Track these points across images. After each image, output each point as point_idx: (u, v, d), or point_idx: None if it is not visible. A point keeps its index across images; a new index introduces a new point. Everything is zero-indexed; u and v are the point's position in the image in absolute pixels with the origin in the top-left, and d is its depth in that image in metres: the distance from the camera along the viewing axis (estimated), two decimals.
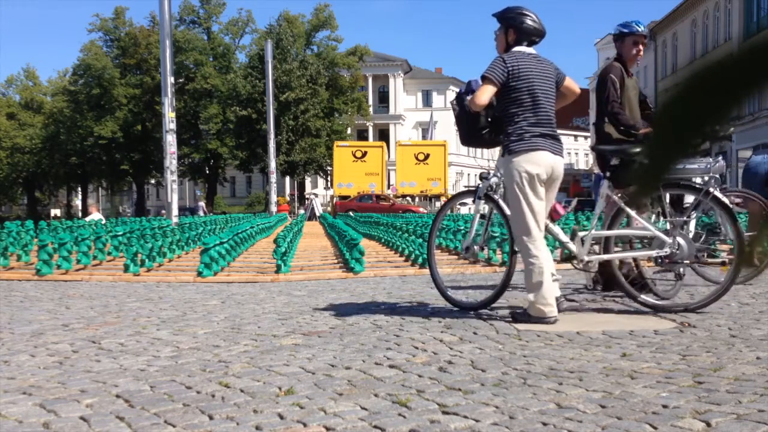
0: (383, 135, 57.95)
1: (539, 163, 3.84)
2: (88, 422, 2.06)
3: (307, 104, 40.64)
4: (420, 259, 7.19)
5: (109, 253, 8.28)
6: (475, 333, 3.44)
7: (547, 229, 4.06)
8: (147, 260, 7.21)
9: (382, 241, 10.63)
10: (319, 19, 46.59)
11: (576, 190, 31.66)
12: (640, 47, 5.06)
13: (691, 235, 4.21)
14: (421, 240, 7.35)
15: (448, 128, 61.64)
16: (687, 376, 2.47)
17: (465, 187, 4.98)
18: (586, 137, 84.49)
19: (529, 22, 4.02)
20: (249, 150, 41.54)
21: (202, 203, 41.02)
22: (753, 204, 5.46)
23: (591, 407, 2.10)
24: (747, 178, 6.73)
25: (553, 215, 4.13)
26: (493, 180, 4.24)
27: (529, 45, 4.07)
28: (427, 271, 6.90)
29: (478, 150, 65.23)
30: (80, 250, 7.30)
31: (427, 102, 62.95)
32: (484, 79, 3.89)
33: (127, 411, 2.16)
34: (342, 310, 4.35)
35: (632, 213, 4.17)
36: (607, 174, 4.31)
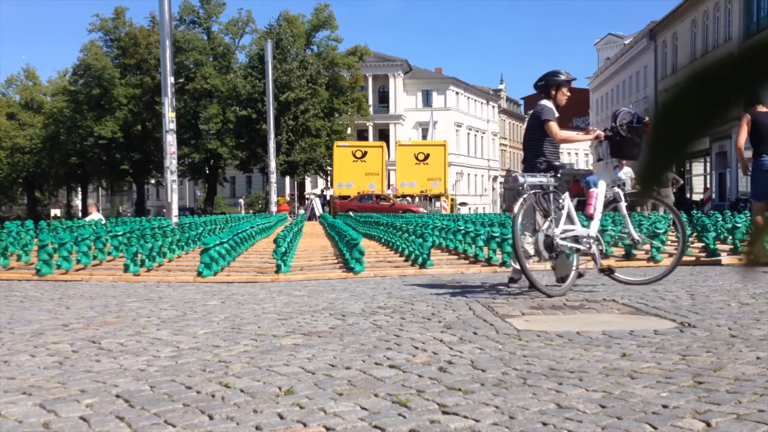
0: (383, 135, 57.93)
1: None
2: (88, 422, 2.06)
3: (307, 104, 40.62)
4: (420, 259, 7.19)
5: (109, 253, 8.28)
6: (475, 333, 3.44)
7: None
8: (147, 260, 7.21)
9: (382, 241, 10.63)
10: (319, 19, 46.57)
11: (576, 189, 31.66)
12: None
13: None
14: (420, 240, 7.34)
15: (448, 128, 61.76)
16: (687, 376, 2.47)
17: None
18: None
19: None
20: (249, 150, 41.52)
21: (241, 200, 41.91)
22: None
23: (591, 407, 2.10)
24: (756, 177, 6.76)
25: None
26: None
27: (545, 98, 5.47)
28: (427, 271, 6.92)
29: (487, 152, 65.27)
30: (80, 250, 7.29)
31: (427, 102, 62.92)
32: None
33: (127, 411, 2.16)
34: (342, 310, 4.35)
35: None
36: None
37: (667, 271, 5.47)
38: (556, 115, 5.41)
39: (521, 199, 4.95)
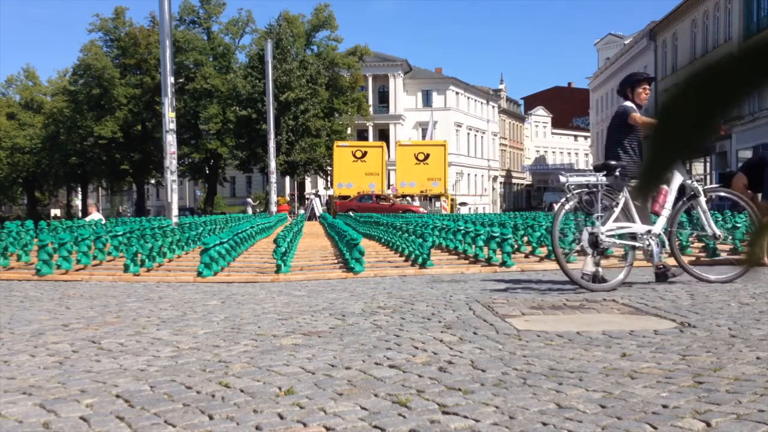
0: (383, 135, 57.94)
1: None
2: (88, 422, 2.06)
3: (307, 104, 40.63)
4: (420, 259, 7.19)
5: (109, 253, 8.28)
6: (475, 333, 3.44)
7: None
8: (147, 260, 7.21)
9: (382, 241, 10.63)
10: (319, 19, 46.59)
11: None
12: None
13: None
14: (420, 240, 7.34)
15: (448, 128, 61.76)
16: (687, 376, 2.47)
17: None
18: (586, 137, 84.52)
19: None
20: (249, 150, 41.53)
21: (249, 199, 41.97)
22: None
23: (591, 407, 2.10)
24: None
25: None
26: None
27: (626, 100, 5.69)
28: (426, 270, 6.92)
29: (486, 152, 65.48)
30: (80, 250, 7.30)
31: (427, 102, 62.95)
32: None
33: (127, 411, 2.16)
34: (342, 310, 4.35)
35: None
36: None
37: (745, 270, 5.50)
38: (636, 111, 5.63)
39: (563, 200, 5.04)
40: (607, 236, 5.07)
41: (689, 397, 2.19)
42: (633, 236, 5.21)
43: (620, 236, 5.17)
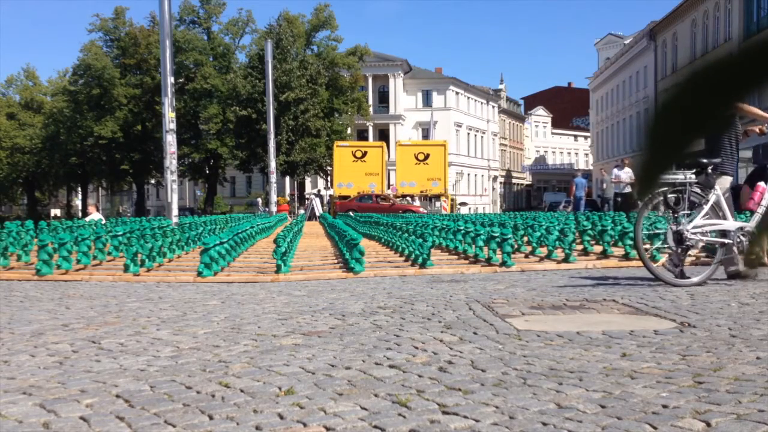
0: (383, 135, 57.93)
1: None
2: (88, 422, 2.06)
3: (307, 104, 40.60)
4: (420, 259, 7.19)
5: (109, 253, 8.27)
6: (475, 333, 3.44)
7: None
8: (147, 260, 7.21)
9: (382, 241, 10.63)
10: (319, 19, 46.58)
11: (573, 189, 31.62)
12: None
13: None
14: (420, 240, 7.34)
15: (448, 128, 61.76)
16: (687, 376, 2.47)
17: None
18: (586, 137, 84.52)
19: None
20: (249, 150, 41.51)
21: (259, 199, 42.12)
22: None
23: (591, 407, 2.10)
24: None
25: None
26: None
27: None
28: (426, 270, 6.92)
29: (486, 152, 65.11)
30: (80, 250, 7.29)
31: (427, 102, 62.97)
32: None
33: (127, 411, 2.16)
34: (342, 310, 4.35)
35: None
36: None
37: None
38: None
39: (646, 198, 5.08)
40: (693, 233, 5.09)
41: (689, 397, 2.19)
42: (723, 233, 5.23)
43: (708, 233, 5.19)
